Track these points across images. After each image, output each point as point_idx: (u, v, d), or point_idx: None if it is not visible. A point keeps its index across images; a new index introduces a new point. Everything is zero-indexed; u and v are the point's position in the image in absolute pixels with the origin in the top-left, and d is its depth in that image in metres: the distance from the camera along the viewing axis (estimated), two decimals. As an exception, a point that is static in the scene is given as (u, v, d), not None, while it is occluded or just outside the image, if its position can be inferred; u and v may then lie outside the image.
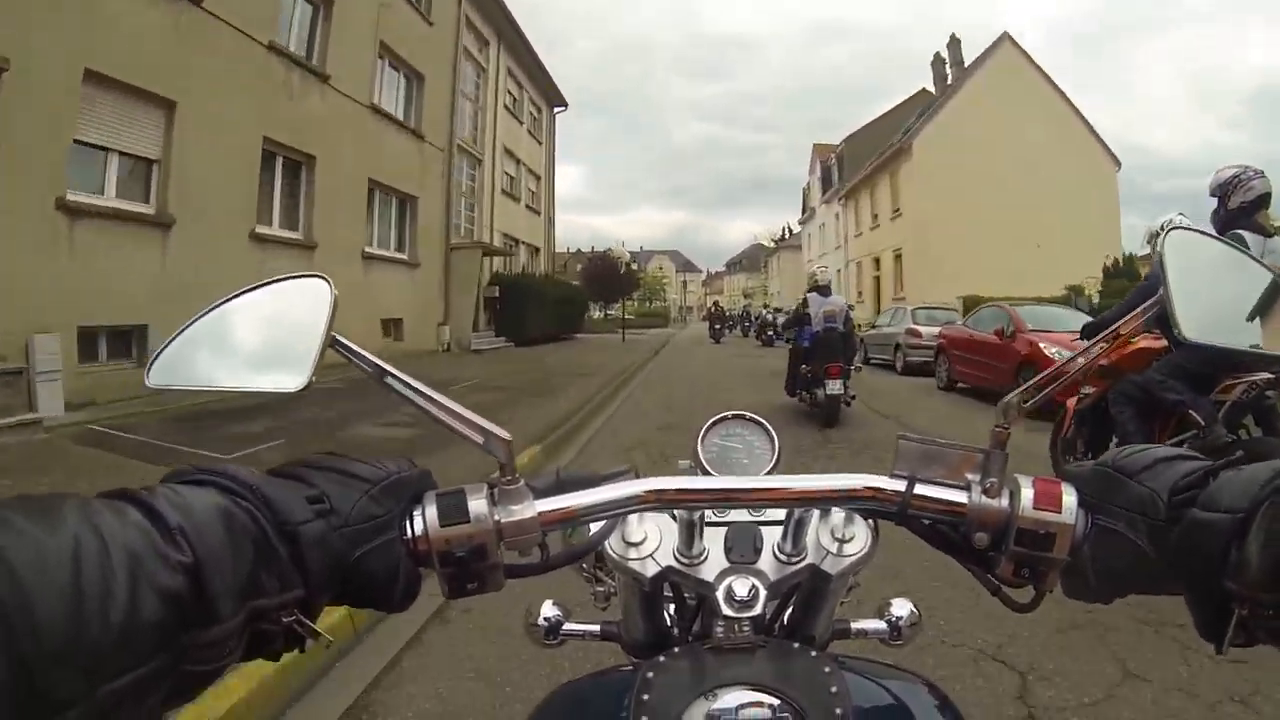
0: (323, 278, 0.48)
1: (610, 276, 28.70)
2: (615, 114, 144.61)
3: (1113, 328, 0.49)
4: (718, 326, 26.73)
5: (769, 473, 0.64)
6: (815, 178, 38.91)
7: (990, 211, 21.03)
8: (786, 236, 60.54)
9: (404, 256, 13.38)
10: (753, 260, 78.52)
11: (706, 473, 0.63)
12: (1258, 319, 0.50)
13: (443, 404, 0.45)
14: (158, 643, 0.29)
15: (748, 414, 0.67)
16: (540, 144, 23.59)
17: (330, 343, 0.45)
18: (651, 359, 16.41)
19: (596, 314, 42.95)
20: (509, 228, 19.58)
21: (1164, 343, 3.57)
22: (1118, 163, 24.08)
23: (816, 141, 40.62)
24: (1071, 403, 4.14)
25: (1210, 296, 0.49)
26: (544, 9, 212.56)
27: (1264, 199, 3.39)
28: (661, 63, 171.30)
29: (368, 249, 11.93)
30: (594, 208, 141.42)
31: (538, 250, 23.30)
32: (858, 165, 29.48)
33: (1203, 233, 0.52)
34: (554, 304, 19.59)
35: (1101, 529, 0.44)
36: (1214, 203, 3.52)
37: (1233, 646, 0.38)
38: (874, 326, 14.97)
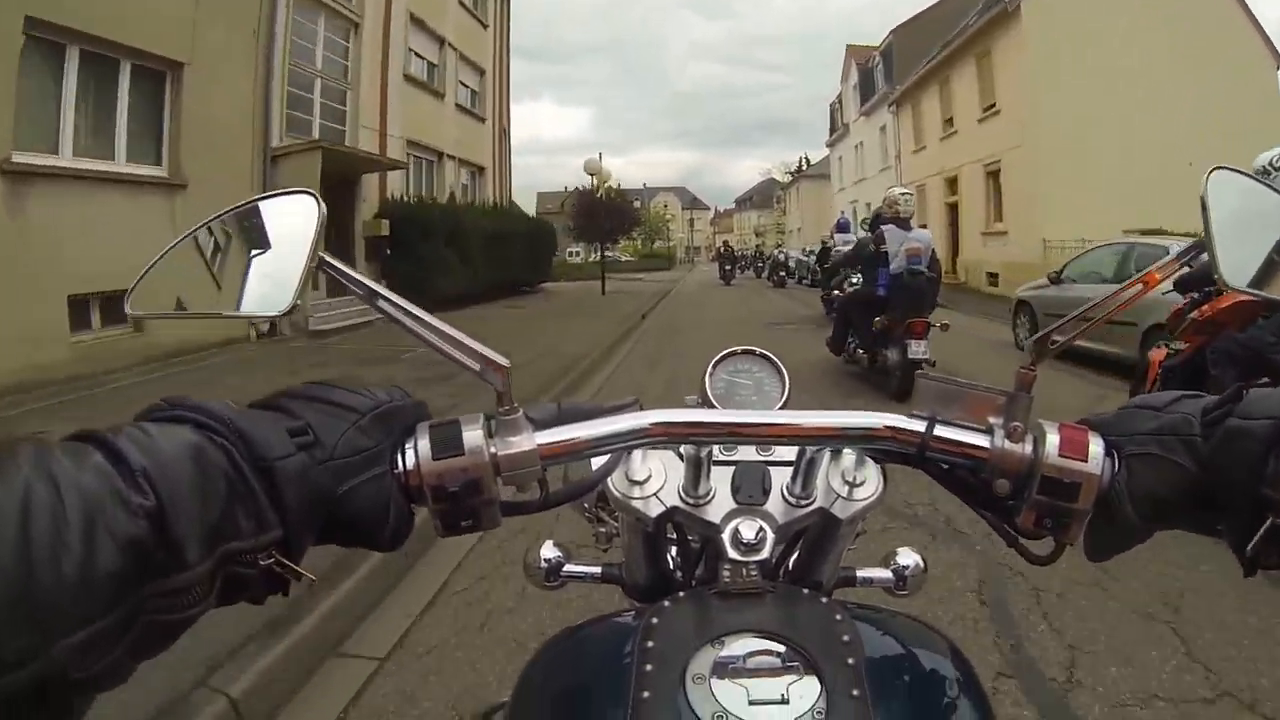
0: (311, 194, 0.45)
1: (603, 211, 22.58)
2: (621, 55, 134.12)
3: (1144, 271, 0.47)
4: (728, 268, 24.64)
5: (780, 407, 0.61)
6: (850, 86, 31.31)
7: (1127, 113, 14.34)
8: (805, 167, 52.95)
9: (154, 172, 7.31)
10: (764, 196, 71.57)
11: (714, 409, 0.59)
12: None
13: (437, 328, 0.42)
14: (118, 593, 0.28)
15: (757, 349, 0.65)
16: (485, 27, 17.10)
17: (318, 264, 0.43)
18: (637, 327, 10.74)
19: (588, 257, 37.84)
20: (421, 133, 13.35)
21: None
22: None
23: (850, 43, 33.13)
24: (1156, 357, 3.80)
25: (1255, 243, 0.47)
26: None
27: None
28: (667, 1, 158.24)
29: (23, 158, 5.87)
30: (602, 149, 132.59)
31: (482, 171, 17.09)
32: (914, 60, 22.43)
33: (1248, 174, 0.49)
34: (491, 245, 13.56)
35: (1134, 456, 0.42)
36: None
37: (1264, 569, 0.38)
38: (1059, 279, 7.60)
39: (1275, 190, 0.50)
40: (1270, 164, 3.33)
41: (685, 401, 0.60)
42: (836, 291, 7.54)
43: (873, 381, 5.68)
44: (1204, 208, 0.45)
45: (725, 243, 34.59)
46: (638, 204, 49.21)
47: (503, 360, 0.42)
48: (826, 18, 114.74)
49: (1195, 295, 3.55)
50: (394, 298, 0.43)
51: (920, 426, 0.45)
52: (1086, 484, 0.42)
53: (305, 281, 0.42)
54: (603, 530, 0.67)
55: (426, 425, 0.42)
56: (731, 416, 0.49)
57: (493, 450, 0.42)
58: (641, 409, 0.47)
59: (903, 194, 5.59)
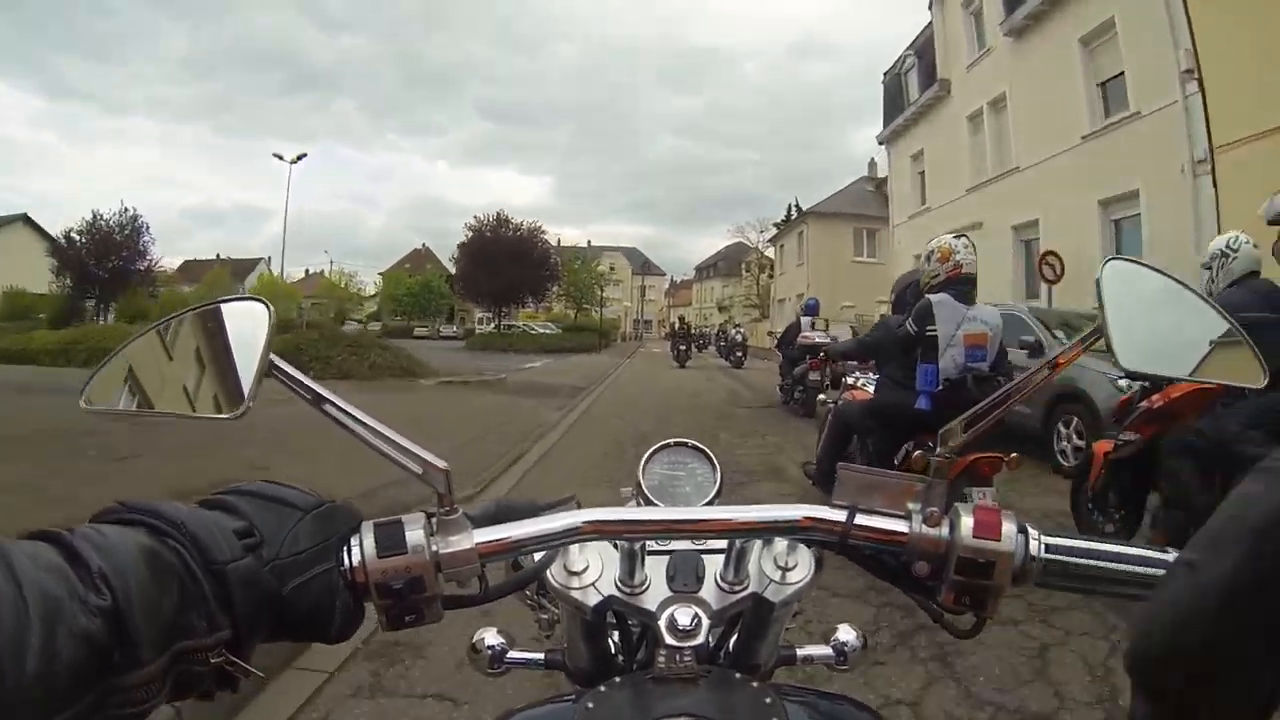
0: (263, 301, 0.48)
1: (503, 256, 14.90)
2: (588, 123, 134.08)
3: (1052, 356, 0.51)
4: (683, 348, 21.61)
5: (710, 502, 0.62)
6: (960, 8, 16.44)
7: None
8: (793, 216, 35.30)
9: None
10: (731, 263, 58.43)
11: (648, 501, 0.62)
12: (1197, 349, 0.52)
13: (382, 433, 0.45)
14: (76, 689, 0.29)
15: (689, 441, 0.66)
16: None
17: (269, 368, 0.45)
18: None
19: (497, 323, 29.31)
20: None
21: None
22: None
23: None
24: (1101, 449, 3.58)
25: (1149, 325, 0.51)
26: (521, 12, 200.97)
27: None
28: (640, 72, 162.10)
29: None
30: (560, 218, 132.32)
31: None
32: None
33: (1139, 263, 0.54)
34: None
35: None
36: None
37: None
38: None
39: (1165, 275, 0.54)
40: (1227, 246, 3.35)
41: (620, 494, 0.67)
42: (806, 388, 6.17)
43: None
44: (1099, 295, 0.50)
45: (681, 318, 29.61)
46: (578, 262, 42.22)
47: (441, 464, 0.45)
48: (798, 96, 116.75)
49: (1144, 384, 3.36)
50: (340, 402, 0.45)
51: (841, 516, 0.49)
52: (1001, 562, 0.46)
53: (258, 385, 0.44)
54: (544, 616, 0.67)
55: (371, 525, 0.44)
56: (661, 514, 0.54)
57: (434, 549, 0.44)
58: (579, 506, 0.51)
59: (960, 243, 3.51)
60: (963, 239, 3.60)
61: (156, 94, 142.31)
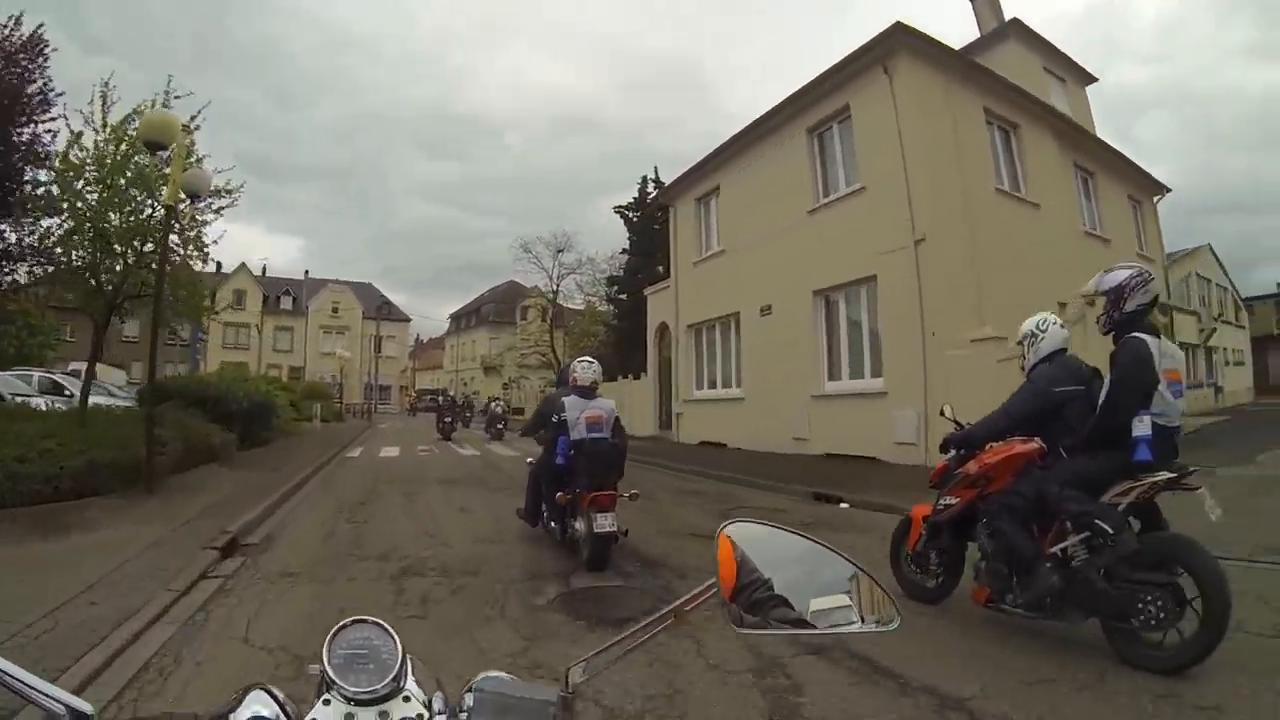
0: None
1: None
2: (344, 185, 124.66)
3: (673, 605, 0.64)
4: (448, 420, 20.69)
5: (395, 678, 0.64)
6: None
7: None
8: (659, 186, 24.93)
9: None
10: (504, 308, 49.06)
11: (332, 681, 0.63)
12: (820, 595, 0.63)
13: (9, 673, 0.43)
14: None
15: (370, 619, 0.68)
16: None
17: None
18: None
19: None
20: None
21: (1033, 447, 3.44)
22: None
23: None
24: (919, 512, 3.97)
25: (781, 579, 0.62)
26: (285, 69, 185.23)
27: (1156, 299, 3.36)
28: (400, 136, 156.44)
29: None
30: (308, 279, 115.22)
31: None
32: None
33: (758, 521, 0.67)
34: None
35: None
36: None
37: None
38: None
39: (785, 530, 0.65)
40: (1036, 327, 3.72)
41: (307, 671, 0.66)
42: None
43: (566, 549, 5.21)
44: (718, 552, 0.63)
45: (445, 391, 26.87)
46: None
47: (86, 707, 0.45)
48: (545, 167, 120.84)
49: (959, 453, 3.80)
50: None
51: None
52: None
53: None
54: None
55: None
56: None
57: None
58: (266, 691, 0.61)
59: (581, 363, 5.51)
60: (586, 361, 5.49)
61: None
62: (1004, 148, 12.89)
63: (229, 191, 13.27)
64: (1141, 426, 2.98)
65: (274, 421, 14.99)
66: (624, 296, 27.03)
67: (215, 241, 12.34)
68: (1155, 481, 3.00)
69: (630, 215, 28.01)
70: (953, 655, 3.12)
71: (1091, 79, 17.08)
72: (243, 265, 48.98)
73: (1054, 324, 3.67)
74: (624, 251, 28.69)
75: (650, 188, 27.78)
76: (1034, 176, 13.03)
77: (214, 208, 12.47)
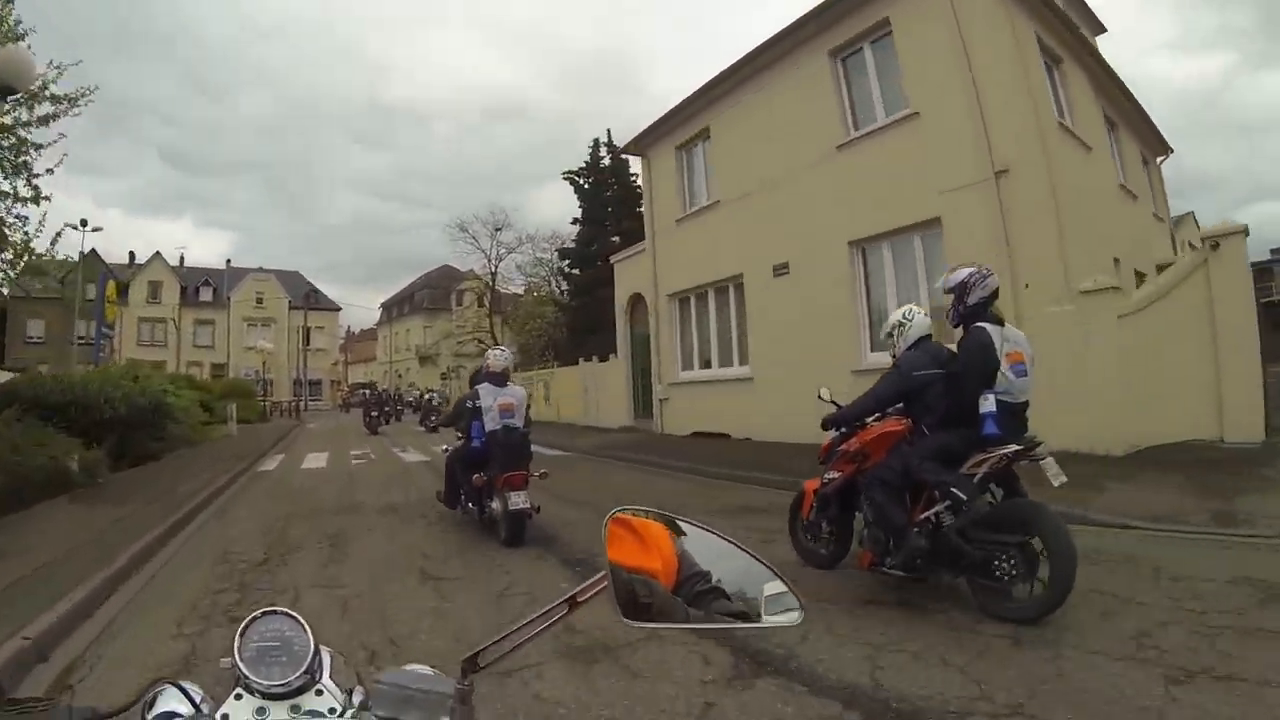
0: None
1: None
2: (276, 177, 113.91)
3: (572, 592, 0.64)
4: (374, 414, 18.99)
5: (307, 671, 0.63)
6: None
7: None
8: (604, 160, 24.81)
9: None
10: (438, 294, 47.09)
11: (243, 675, 0.62)
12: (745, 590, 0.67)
13: None
14: None
15: (281, 609, 0.66)
16: None
17: None
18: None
19: None
20: None
21: (903, 425, 3.78)
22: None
23: None
24: (810, 486, 4.24)
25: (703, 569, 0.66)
26: (212, 54, 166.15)
27: (997, 292, 3.68)
28: (331, 127, 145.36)
29: None
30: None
31: None
32: None
33: (642, 509, 0.71)
34: None
35: None
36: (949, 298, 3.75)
37: None
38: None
39: (697, 525, 0.72)
40: (903, 317, 3.98)
41: (220, 664, 0.64)
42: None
43: (485, 529, 5.63)
44: (609, 547, 0.64)
45: (372, 385, 24.23)
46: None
47: None
48: (479, 154, 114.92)
49: (841, 431, 4.10)
50: None
51: None
52: None
53: None
54: None
55: None
56: None
57: None
58: (174, 685, 0.62)
59: (495, 352, 5.98)
60: (499, 350, 6.09)
61: None
62: (1050, 83, 11.19)
63: (70, 99, 9.59)
64: (987, 404, 3.36)
65: (168, 429, 11.70)
66: (577, 271, 24.21)
67: (50, 170, 8.85)
68: (1004, 453, 3.37)
69: (581, 181, 25.14)
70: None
71: (1102, 28, 15.79)
72: (157, 254, 46.25)
73: (919, 314, 3.95)
74: (575, 221, 25.63)
75: (603, 152, 25.06)
76: (1079, 118, 11.38)
77: (41, 115, 8.96)
